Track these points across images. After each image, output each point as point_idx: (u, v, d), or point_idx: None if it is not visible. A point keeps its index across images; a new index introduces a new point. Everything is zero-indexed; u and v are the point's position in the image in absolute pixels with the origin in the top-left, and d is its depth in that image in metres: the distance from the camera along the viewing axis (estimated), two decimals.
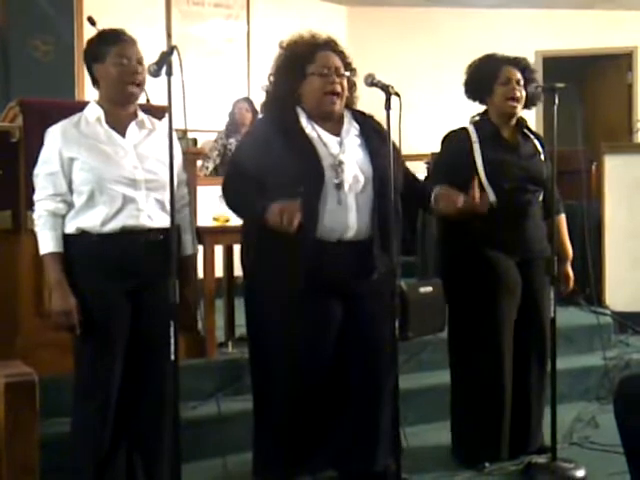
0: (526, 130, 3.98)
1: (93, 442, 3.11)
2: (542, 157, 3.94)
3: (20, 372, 3.02)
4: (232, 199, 3.38)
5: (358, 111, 3.55)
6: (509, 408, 3.84)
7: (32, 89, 7.02)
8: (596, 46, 9.32)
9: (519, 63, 3.90)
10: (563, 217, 4.08)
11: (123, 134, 3.16)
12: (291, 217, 3.06)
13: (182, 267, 3.21)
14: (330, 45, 3.45)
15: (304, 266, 3.23)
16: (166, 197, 2.93)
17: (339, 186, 3.29)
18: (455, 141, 3.87)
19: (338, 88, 3.37)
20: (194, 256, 3.38)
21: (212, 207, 4.15)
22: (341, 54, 3.45)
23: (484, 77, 3.88)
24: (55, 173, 3.08)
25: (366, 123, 3.50)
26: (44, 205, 3.08)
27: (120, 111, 3.19)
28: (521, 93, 3.83)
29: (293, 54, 3.42)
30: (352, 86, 3.50)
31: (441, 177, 3.78)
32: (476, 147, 3.79)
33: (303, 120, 3.40)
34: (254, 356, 3.51)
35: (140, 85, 3.15)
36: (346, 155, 3.36)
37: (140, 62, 3.14)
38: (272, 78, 3.48)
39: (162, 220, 3.11)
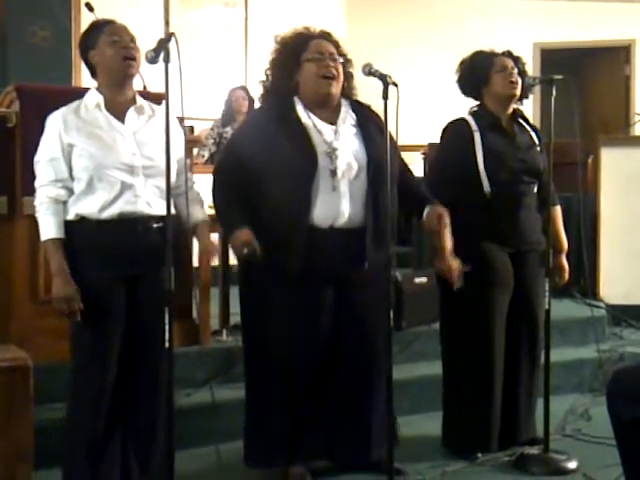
0: (522, 121, 3.98)
1: (88, 427, 3.12)
2: (538, 148, 3.94)
3: (15, 357, 3.02)
4: (218, 202, 3.44)
5: (356, 101, 3.58)
6: (499, 399, 3.85)
7: (29, 75, 7.00)
8: (594, 38, 9.32)
9: (510, 54, 3.93)
10: (559, 209, 4.08)
11: (122, 120, 3.16)
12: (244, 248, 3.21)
13: (197, 233, 3.29)
14: (323, 35, 3.50)
15: (297, 252, 3.25)
16: (162, 180, 2.92)
17: (334, 173, 3.31)
18: (455, 132, 3.87)
19: (333, 71, 3.40)
20: (205, 222, 3.34)
21: (208, 195, 4.14)
22: (335, 43, 3.49)
23: (480, 68, 3.88)
24: (56, 159, 3.07)
25: (363, 113, 3.54)
26: (46, 191, 3.07)
27: (119, 96, 3.18)
28: (517, 79, 3.84)
29: (287, 45, 3.48)
30: (349, 77, 3.53)
31: (441, 172, 3.80)
32: (477, 136, 3.79)
33: (299, 109, 3.43)
34: (247, 344, 3.53)
35: (135, 61, 3.14)
36: (340, 143, 3.38)
37: (133, 40, 3.14)
38: (268, 72, 3.53)
39: (161, 207, 3.09)
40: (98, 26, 3.19)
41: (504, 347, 3.84)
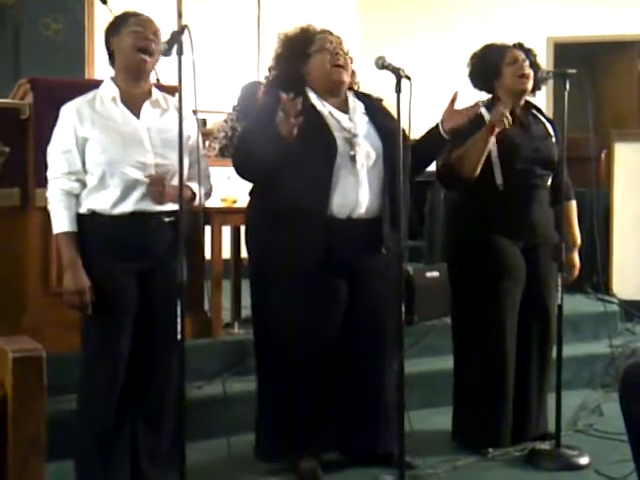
0: (536, 112, 3.97)
1: (99, 418, 3.13)
2: (554, 139, 3.92)
3: (28, 347, 3.02)
4: (244, 157, 3.37)
5: (360, 92, 3.62)
6: (511, 394, 3.84)
7: (42, 67, 7.01)
8: (608, 33, 9.27)
9: (521, 47, 3.92)
10: (573, 204, 4.06)
11: (138, 114, 3.15)
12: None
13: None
14: (328, 31, 3.55)
15: (316, 244, 3.25)
16: (176, 181, 2.92)
17: (353, 159, 3.32)
18: (468, 123, 3.85)
19: (342, 60, 3.45)
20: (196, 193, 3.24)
21: (220, 188, 4.15)
22: (338, 38, 3.53)
23: (491, 61, 3.87)
24: (70, 151, 3.07)
25: (370, 102, 3.58)
26: (59, 184, 3.07)
27: (135, 89, 3.18)
28: (529, 71, 3.83)
29: (293, 40, 3.52)
30: (352, 72, 3.56)
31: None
32: None
33: (313, 97, 3.45)
34: (258, 337, 3.53)
35: (152, 55, 3.13)
36: (358, 130, 3.41)
37: (155, 34, 3.14)
38: (273, 67, 3.56)
39: (172, 203, 3.10)
40: (126, 16, 3.19)
41: (515, 341, 3.84)
